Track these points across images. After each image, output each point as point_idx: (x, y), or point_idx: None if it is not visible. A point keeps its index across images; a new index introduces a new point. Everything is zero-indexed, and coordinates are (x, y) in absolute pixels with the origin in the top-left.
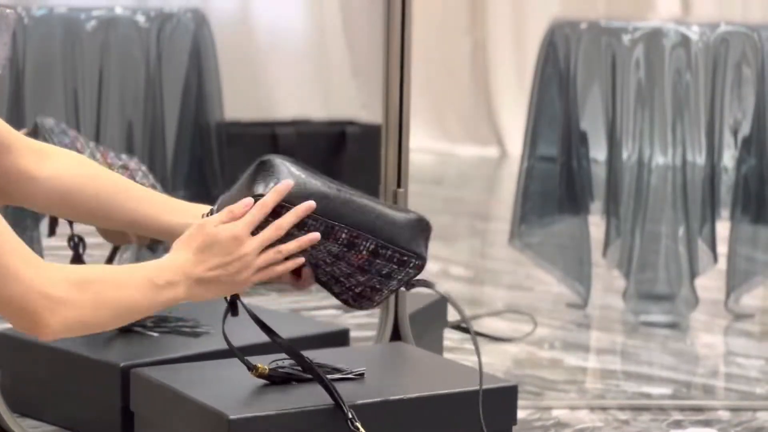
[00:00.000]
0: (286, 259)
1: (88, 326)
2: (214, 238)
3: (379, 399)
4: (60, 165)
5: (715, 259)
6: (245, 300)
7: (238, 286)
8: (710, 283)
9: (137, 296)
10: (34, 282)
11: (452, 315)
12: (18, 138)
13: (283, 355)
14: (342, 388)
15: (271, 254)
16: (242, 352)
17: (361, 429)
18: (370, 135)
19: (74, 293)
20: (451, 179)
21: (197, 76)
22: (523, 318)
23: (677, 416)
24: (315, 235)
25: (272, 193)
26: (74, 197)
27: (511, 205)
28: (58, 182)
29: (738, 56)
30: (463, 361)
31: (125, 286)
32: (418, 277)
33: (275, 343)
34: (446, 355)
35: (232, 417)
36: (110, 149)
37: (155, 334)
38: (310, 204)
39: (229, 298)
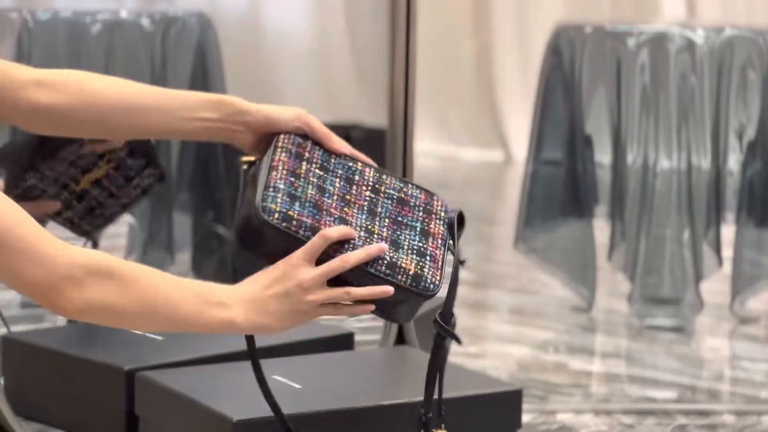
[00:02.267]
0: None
1: (113, 312)
2: (273, 267)
3: (384, 403)
4: (59, 92)
5: (720, 262)
6: None
7: (300, 315)
8: (715, 286)
9: (176, 299)
10: (58, 264)
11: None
12: (19, 70)
13: None
14: (345, 391)
15: (339, 293)
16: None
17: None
18: (374, 138)
19: (97, 276)
20: (456, 183)
21: (202, 79)
22: (528, 321)
23: (682, 420)
24: (388, 289)
25: (361, 252)
26: (72, 121)
27: (516, 209)
28: (56, 110)
29: (743, 60)
30: (467, 366)
31: (163, 283)
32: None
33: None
34: (450, 359)
35: (236, 420)
36: None
37: (159, 338)
38: (382, 247)
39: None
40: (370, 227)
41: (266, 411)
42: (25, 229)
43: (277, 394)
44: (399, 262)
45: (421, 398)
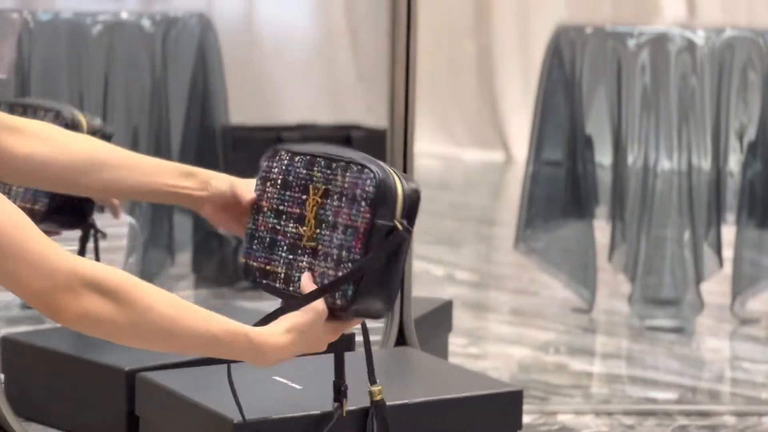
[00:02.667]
0: None
1: (108, 329)
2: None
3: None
4: (35, 140)
5: (721, 263)
6: (254, 304)
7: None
8: (716, 287)
9: (185, 319)
10: (58, 272)
11: (457, 320)
12: None
13: None
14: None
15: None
16: None
17: None
18: (375, 139)
19: (96, 290)
20: (457, 184)
21: (203, 80)
22: (528, 322)
23: (683, 421)
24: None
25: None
26: (49, 172)
27: (517, 210)
28: (34, 159)
29: (743, 61)
30: (467, 366)
31: (169, 304)
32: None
33: None
34: (451, 359)
35: (237, 421)
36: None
37: None
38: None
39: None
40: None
41: (267, 412)
42: (26, 234)
43: (277, 395)
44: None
45: (421, 399)
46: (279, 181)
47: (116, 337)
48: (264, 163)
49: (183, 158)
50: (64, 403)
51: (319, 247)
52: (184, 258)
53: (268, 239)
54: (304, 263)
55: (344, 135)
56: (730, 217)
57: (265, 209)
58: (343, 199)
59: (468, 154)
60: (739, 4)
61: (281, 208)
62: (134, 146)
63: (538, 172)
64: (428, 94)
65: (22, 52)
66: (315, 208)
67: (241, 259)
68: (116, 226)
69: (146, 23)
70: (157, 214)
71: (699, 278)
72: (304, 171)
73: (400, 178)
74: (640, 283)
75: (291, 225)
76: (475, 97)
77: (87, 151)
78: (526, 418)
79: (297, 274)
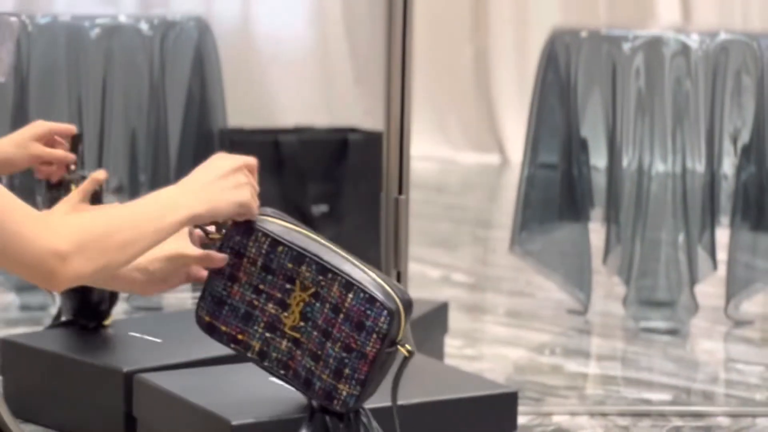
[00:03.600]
0: None
1: (102, 270)
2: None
3: (381, 405)
4: None
5: (715, 266)
6: None
7: (240, 188)
8: (710, 289)
9: (146, 229)
10: (42, 240)
11: (453, 321)
12: None
13: None
14: None
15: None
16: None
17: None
18: (372, 142)
19: (79, 246)
20: (453, 186)
21: (200, 83)
22: (524, 324)
23: (677, 422)
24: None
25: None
26: None
27: (512, 212)
28: None
29: (738, 64)
30: (463, 368)
31: (125, 213)
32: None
33: None
34: (447, 361)
35: (234, 423)
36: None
37: (158, 340)
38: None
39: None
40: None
41: (264, 414)
42: (11, 210)
43: (275, 397)
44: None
45: (417, 400)
46: (259, 263)
47: (112, 269)
48: (235, 237)
49: (181, 160)
50: (62, 404)
51: (304, 340)
52: None
53: (243, 310)
54: (284, 346)
55: (341, 138)
56: (724, 219)
57: (243, 281)
58: (341, 316)
59: (464, 156)
60: (733, 8)
61: (261, 287)
62: (132, 149)
63: (534, 175)
64: (424, 97)
65: (21, 55)
66: (301, 303)
67: (205, 318)
68: None
69: (144, 27)
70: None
71: (693, 280)
72: (290, 265)
73: (400, 300)
74: (635, 285)
75: (271, 306)
76: (471, 100)
77: None
78: (522, 419)
79: (274, 354)
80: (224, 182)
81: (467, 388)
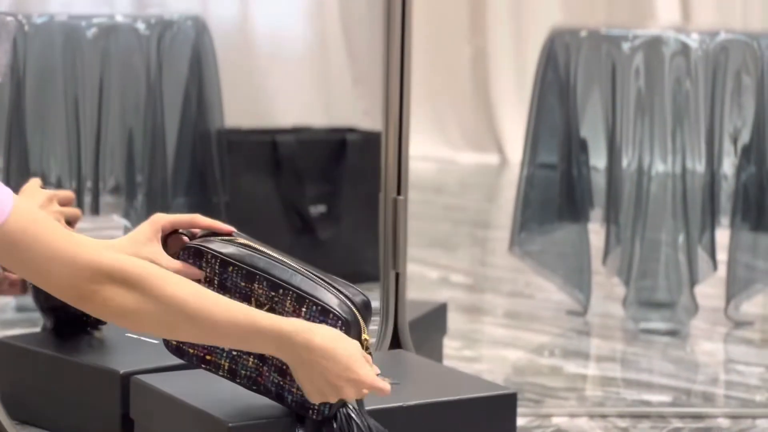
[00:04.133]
0: None
1: (130, 315)
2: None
3: (379, 406)
4: None
5: (715, 266)
6: None
7: (332, 392)
8: (710, 290)
9: (212, 310)
10: (81, 262)
11: (451, 322)
12: None
13: None
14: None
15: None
16: None
17: None
18: (370, 142)
19: (120, 280)
20: (452, 187)
21: (197, 83)
22: (523, 325)
23: (677, 424)
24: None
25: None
26: None
27: (512, 213)
28: None
29: (738, 64)
30: (462, 369)
31: (194, 295)
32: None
33: None
34: (446, 362)
35: (231, 424)
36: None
37: (155, 341)
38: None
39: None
40: None
41: (261, 416)
42: (52, 232)
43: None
44: None
45: (416, 401)
46: (216, 282)
47: (141, 326)
48: (188, 260)
49: (178, 161)
50: (59, 406)
51: (268, 355)
52: None
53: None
54: (251, 363)
55: (339, 138)
56: (724, 220)
57: None
58: None
59: (463, 156)
60: (733, 7)
61: None
62: (129, 149)
63: (533, 175)
64: (423, 97)
65: (17, 55)
66: None
67: (172, 342)
68: (111, 229)
69: (141, 26)
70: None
71: (693, 281)
72: (243, 283)
73: (354, 305)
74: (635, 286)
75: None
76: (470, 100)
77: None
78: (521, 421)
79: (243, 372)
80: (335, 378)
81: (466, 389)
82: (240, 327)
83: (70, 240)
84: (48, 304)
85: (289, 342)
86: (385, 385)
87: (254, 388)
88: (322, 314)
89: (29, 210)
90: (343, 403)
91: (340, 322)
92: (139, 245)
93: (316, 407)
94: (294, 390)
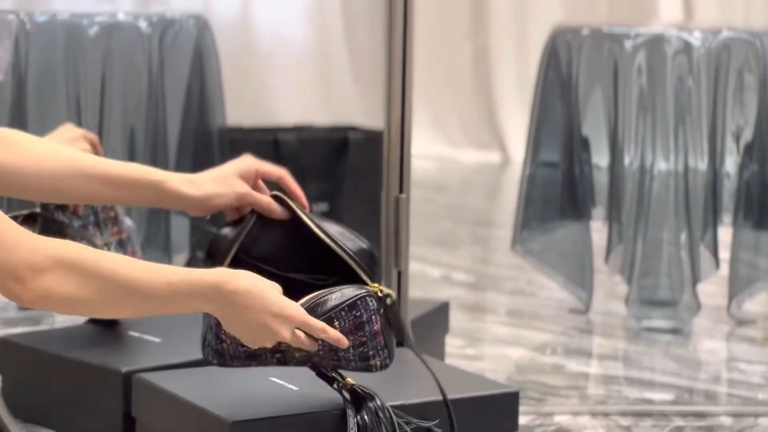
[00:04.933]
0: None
1: (74, 303)
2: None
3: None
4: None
5: (717, 265)
6: None
7: (264, 335)
8: (712, 288)
9: (142, 277)
10: (20, 249)
11: (453, 321)
12: None
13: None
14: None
15: (319, 326)
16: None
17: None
18: (372, 141)
19: (59, 265)
20: (453, 185)
21: (199, 81)
22: (525, 323)
23: (679, 422)
24: (344, 341)
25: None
26: (16, 182)
27: (513, 211)
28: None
29: (740, 62)
30: (464, 367)
31: (126, 266)
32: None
33: None
34: (448, 361)
35: (233, 421)
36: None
37: (157, 340)
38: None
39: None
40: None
41: (263, 413)
42: None
43: (274, 397)
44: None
45: (418, 400)
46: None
47: (85, 308)
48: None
49: (180, 159)
50: (60, 404)
51: (316, 358)
52: (181, 259)
53: (244, 354)
54: (298, 357)
55: (341, 136)
56: (727, 218)
57: (229, 338)
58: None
59: (464, 155)
60: (735, 5)
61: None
62: (131, 147)
63: (535, 174)
64: (425, 95)
65: (19, 53)
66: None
67: (213, 361)
68: None
69: (143, 24)
70: (153, 215)
71: (695, 279)
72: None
73: (367, 265)
74: (637, 285)
75: (269, 354)
76: (472, 99)
77: (57, 161)
78: (523, 419)
79: (293, 361)
80: (262, 316)
81: (468, 388)
82: (174, 286)
83: (7, 229)
84: None
85: (218, 291)
86: (322, 326)
87: (309, 365)
88: (351, 308)
89: None
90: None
91: (368, 299)
92: (229, 181)
93: (378, 365)
94: (353, 365)
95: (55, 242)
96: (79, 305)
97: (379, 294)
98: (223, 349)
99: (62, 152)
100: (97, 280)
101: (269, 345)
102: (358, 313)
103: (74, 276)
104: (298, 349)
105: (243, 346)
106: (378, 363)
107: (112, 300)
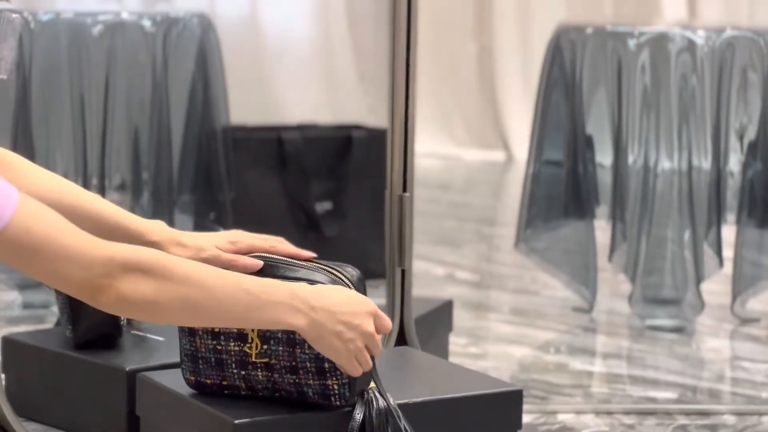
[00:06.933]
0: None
1: (150, 308)
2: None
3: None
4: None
5: (721, 263)
6: None
7: (345, 352)
8: (716, 287)
9: (221, 296)
10: (95, 259)
11: (457, 319)
12: None
13: None
14: None
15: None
16: None
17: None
18: (376, 139)
19: (135, 270)
20: (457, 184)
21: (203, 80)
22: (529, 322)
23: (683, 420)
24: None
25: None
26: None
27: (517, 210)
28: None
29: (744, 61)
30: (468, 366)
31: (209, 279)
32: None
33: None
34: (451, 359)
35: (237, 422)
36: None
37: (161, 338)
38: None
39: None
40: None
41: (266, 413)
42: (60, 230)
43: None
44: None
45: (422, 398)
46: None
47: (162, 313)
48: None
49: (183, 158)
50: (64, 403)
51: (274, 361)
52: None
53: (213, 359)
54: (261, 377)
55: (345, 135)
56: (731, 217)
57: (200, 332)
58: None
59: (468, 154)
60: (739, 4)
61: (216, 329)
62: (135, 146)
63: (539, 172)
64: (429, 94)
65: (23, 52)
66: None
67: (190, 378)
68: None
69: (147, 23)
70: (157, 213)
71: (699, 278)
72: None
73: (347, 278)
74: (641, 283)
75: (233, 344)
76: (476, 97)
77: (62, 195)
78: (527, 418)
79: (259, 386)
80: (341, 329)
81: (472, 386)
82: (254, 295)
83: (80, 237)
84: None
85: (296, 299)
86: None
87: (276, 395)
88: None
89: (35, 208)
90: (361, 390)
91: None
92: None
93: (336, 392)
94: (311, 382)
95: (131, 247)
96: (157, 311)
97: None
98: (195, 351)
99: (59, 182)
100: (176, 285)
101: (360, 345)
102: None
103: (151, 281)
104: (262, 361)
105: (211, 344)
106: (335, 386)
107: (191, 306)
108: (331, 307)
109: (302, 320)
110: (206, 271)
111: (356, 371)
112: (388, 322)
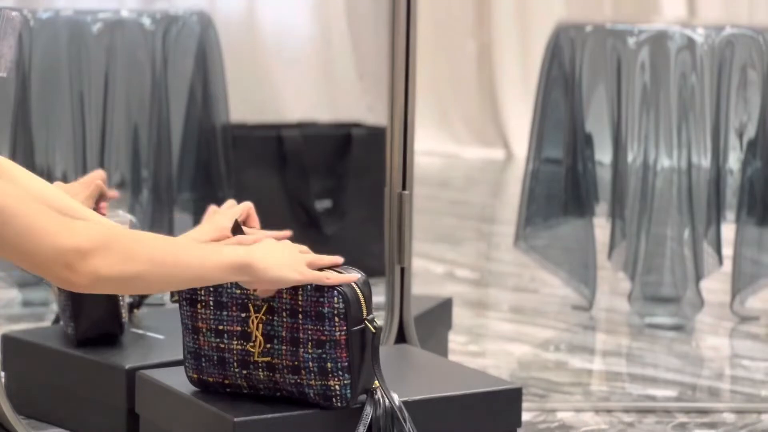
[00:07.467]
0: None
1: (127, 281)
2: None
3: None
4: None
5: (721, 261)
6: None
7: (294, 263)
8: (715, 285)
9: (180, 251)
10: (61, 236)
11: (457, 317)
12: None
13: None
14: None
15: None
16: None
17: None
18: (376, 137)
19: (104, 245)
20: (457, 182)
21: (203, 78)
22: (528, 320)
23: (682, 419)
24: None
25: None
26: None
27: (517, 208)
28: None
29: (743, 59)
30: (467, 364)
31: (162, 240)
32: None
33: None
34: (451, 357)
35: (236, 420)
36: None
37: (161, 337)
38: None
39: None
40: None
41: (266, 411)
42: (27, 208)
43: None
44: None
45: (421, 396)
46: (211, 303)
47: (135, 286)
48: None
49: (183, 155)
50: (64, 400)
51: (276, 361)
52: None
53: (215, 357)
54: (263, 376)
55: (345, 133)
56: (730, 215)
57: (204, 330)
58: (300, 316)
59: (468, 151)
60: (739, 2)
61: (220, 327)
62: (134, 144)
63: (538, 170)
64: (428, 91)
65: (23, 50)
66: (260, 325)
67: (193, 376)
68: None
69: (146, 21)
70: (157, 211)
71: (699, 276)
72: (239, 291)
73: (353, 283)
74: (640, 281)
75: (235, 342)
76: (475, 95)
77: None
78: (526, 416)
79: (261, 386)
80: (287, 253)
81: (471, 384)
82: (210, 262)
83: (51, 216)
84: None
85: (249, 268)
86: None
87: (278, 394)
88: (317, 291)
89: (7, 188)
90: (366, 389)
91: (335, 292)
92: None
93: (338, 393)
94: (312, 383)
95: (90, 224)
96: (130, 282)
97: (366, 317)
98: (198, 349)
99: (49, 189)
100: (141, 256)
101: (302, 256)
102: (321, 299)
103: (118, 254)
104: (265, 360)
105: (214, 342)
106: (337, 387)
107: (158, 274)
108: (267, 245)
109: (248, 256)
110: (165, 237)
111: (319, 277)
112: (328, 257)
